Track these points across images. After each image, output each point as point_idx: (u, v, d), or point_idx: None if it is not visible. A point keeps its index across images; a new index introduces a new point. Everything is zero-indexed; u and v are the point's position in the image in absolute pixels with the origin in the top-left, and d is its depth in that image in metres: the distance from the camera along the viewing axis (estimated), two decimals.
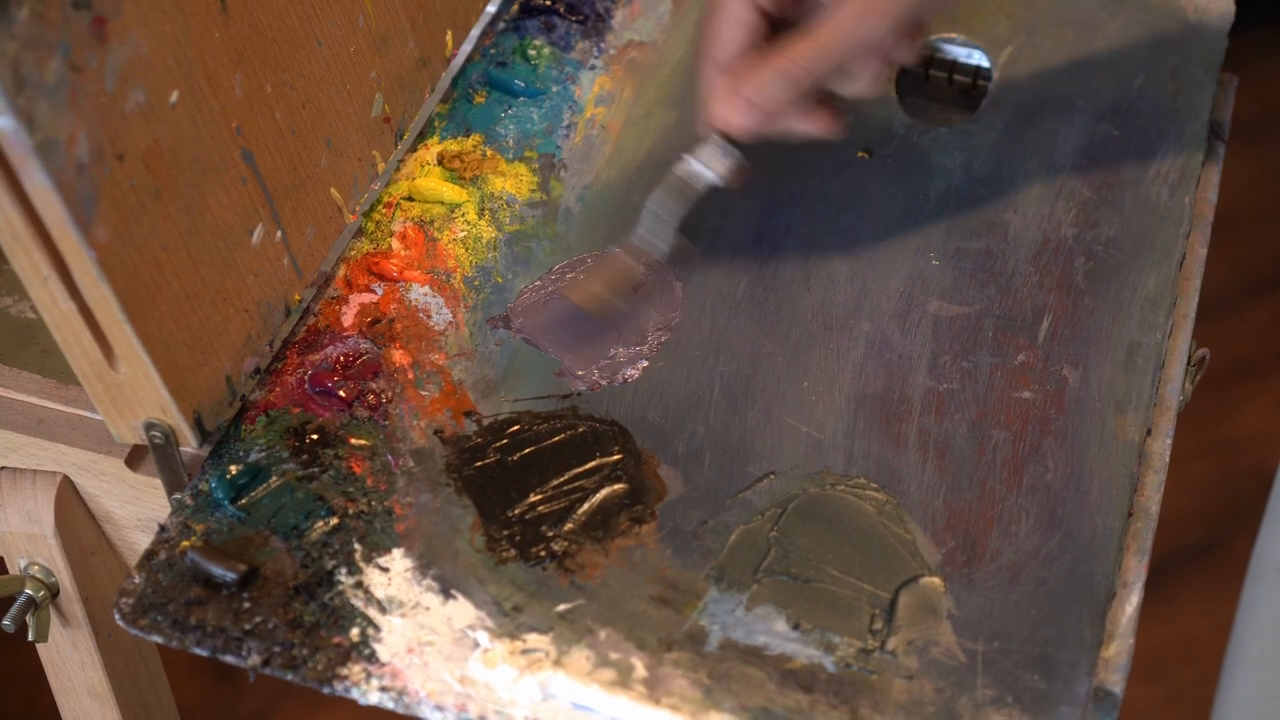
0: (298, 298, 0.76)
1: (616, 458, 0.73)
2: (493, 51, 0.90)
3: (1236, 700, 1.04)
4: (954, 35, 0.90)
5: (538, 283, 0.80)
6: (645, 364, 0.76)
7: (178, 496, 0.71)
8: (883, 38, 0.74)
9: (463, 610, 0.67)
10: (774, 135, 0.78)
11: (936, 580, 0.69)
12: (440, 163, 0.84)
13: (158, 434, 0.70)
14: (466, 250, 0.81)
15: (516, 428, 0.74)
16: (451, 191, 0.83)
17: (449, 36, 0.86)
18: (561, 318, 0.78)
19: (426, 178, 0.83)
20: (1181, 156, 0.85)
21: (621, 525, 0.70)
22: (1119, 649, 0.67)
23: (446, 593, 0.68)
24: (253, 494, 0.71)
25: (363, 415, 0.74)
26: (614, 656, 0.66)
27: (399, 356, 0.76)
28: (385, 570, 0.68)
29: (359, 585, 0.68)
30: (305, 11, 0.74)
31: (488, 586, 0.68)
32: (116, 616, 0.67)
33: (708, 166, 0.77)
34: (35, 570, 0.77)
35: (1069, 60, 0.90)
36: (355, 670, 0.65)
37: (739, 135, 0.76)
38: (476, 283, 0.80)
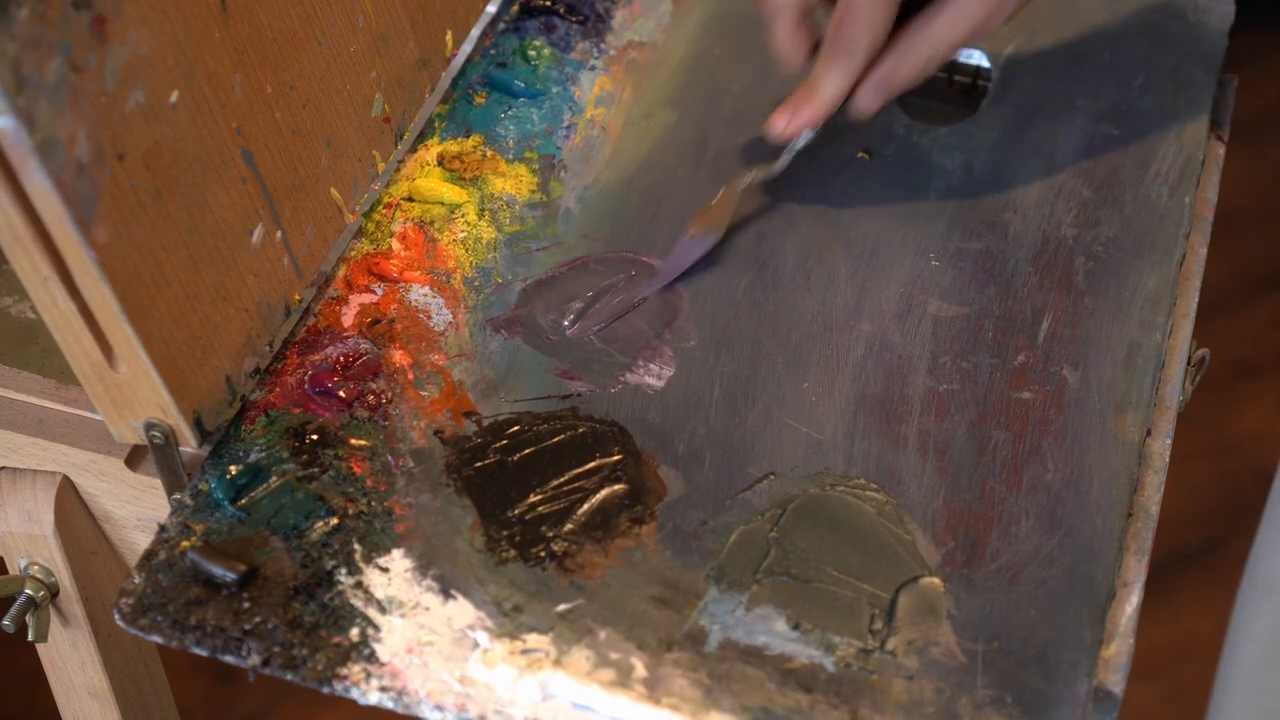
0: (298, 298, 0.76)
1: (616, 458, 0.73)
2: (493, 52, 0.90)
3: (1230, 714, 1.04)
4: None
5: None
6: (671, 373, 0.76)
7: (178, 496, 0.71)
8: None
9: (463, 610, 0.67)
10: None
11: (936, 581, 0.69)
12: (440, 163, 0.84)
13: (158, 434, 0.70)
14: (466, 251, 0.81)
15: (516, 428, 0.74)
16: (451, 192, 0.83)
17: (449, 37, 0.86)
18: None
19: (426, 178, 0.83)
20: (1181, 156, 0.85)
21: (621, 526, 0.70)
22: (1119, 649, 0.67)
23: (446, 593, 0.68)
24: (253, 494, 0.71)
25: (363, 416, 0.74)
26: (614, 656, 0.66)
27: (399, 357, 0.76)
28: (385, 570, 0.68)
29: (359, 585, 0.68)
30: (305, 11, 0.74)
31: (487, 587, 0.68)
32: (116, 616, 0.67)
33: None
34: (35, 570, 0.77)
35: (1069, 60, 0.90)
36: (355, 670, 0.65)
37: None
38: (476, 283, 0.80)
